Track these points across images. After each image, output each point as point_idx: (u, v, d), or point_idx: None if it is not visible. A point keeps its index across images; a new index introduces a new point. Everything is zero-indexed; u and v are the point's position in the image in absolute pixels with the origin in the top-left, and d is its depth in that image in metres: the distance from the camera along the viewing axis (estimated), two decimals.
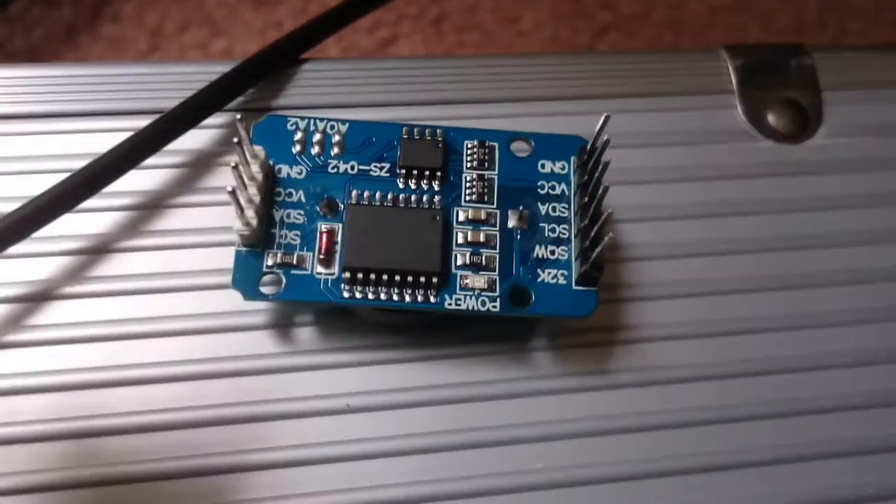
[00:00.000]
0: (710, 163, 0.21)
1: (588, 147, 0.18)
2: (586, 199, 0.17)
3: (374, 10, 0.23)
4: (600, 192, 0.17)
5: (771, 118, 0.22)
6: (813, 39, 0.52)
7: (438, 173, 0.18)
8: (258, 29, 0.49)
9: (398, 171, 0.18)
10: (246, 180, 0.17)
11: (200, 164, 0.20)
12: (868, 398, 0.19)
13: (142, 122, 0.19)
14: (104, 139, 0.19)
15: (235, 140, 0.17)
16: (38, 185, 0.18)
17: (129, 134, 0.18)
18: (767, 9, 0.54)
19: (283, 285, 0.17)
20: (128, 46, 0.48)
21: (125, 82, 0.21)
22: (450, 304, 0.17)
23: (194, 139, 0.20)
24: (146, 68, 0.21)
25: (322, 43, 0.22)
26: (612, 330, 0.19)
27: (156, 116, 0.19)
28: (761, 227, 0.21)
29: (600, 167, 0.17)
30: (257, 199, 0.17)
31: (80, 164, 0.18)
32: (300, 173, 0.18)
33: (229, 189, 0.16)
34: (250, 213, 0.17)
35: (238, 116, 0.17)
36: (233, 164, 0.16)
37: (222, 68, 0.20)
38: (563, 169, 0.19)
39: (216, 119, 0.20)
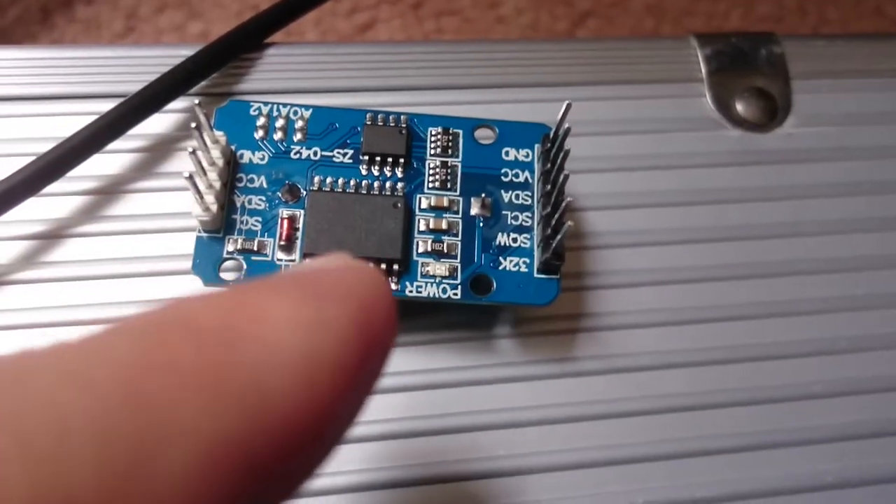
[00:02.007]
0: (678, 151, 0.21)
1: (551, 135, 0.18)
2: (549, 186, 0.17)
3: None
4: (561, 179, 0.17)
5: (739, 107, 0.22)
6: (793, 28, 0.52)
7: (402, 160, 0.18)
8: (235, 11, 0.48)
9: (361, 157, 0.18)
10: (206, 165, 0.17)
11: (163, 149, 0.20)
12: (830, 386, 0.19)
13: (106, 106, 0.19)
14: (67, 122, 0.19)
15: (194, 125, 0.17)
16: (2, 169, 0.17)
17: (93, 117, 0.18)
18: None
19: (243, 271, 0.17)
20: (103, 28, 0.48)
21: (90, 65, 0.21)
22: (411, 292, 0.17)
23: (158, 123, 0.20)
24: (111, 51, 0.21)
25: (300, 26, 0.22)
26: (576, 318, 0.19)
27: (120, 100, 0.19)
28: (728, 215, 0.21)
29: (562, 155, 0.17)
30: (217, 184, 0.17)
31: (41, 147, 0.18)
32: (262, 159, 0.18)
33: (186, 175, 0.16)
34: (210, 199, 0.17)
35: (197, 101, 0.17)
36: (190, 150, 0.16)
37: (188, 52, 0.20)
38: (526, 157, 0.18)
39: (181, 103, 0.20)
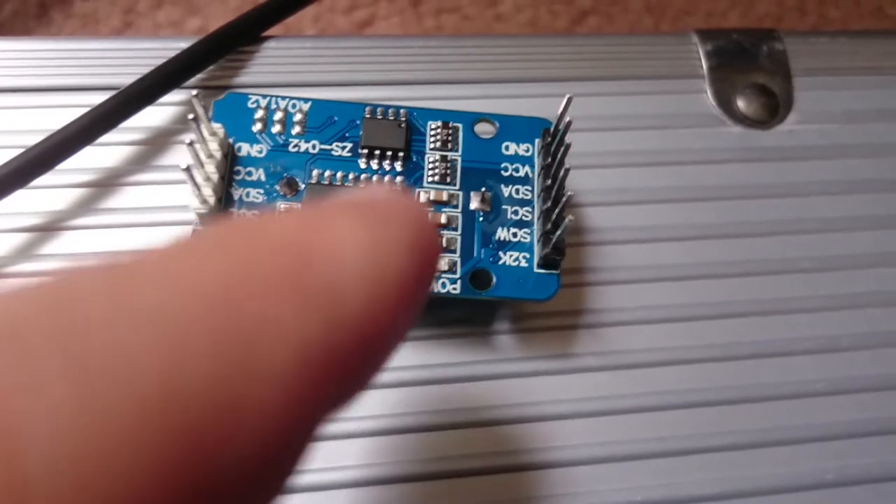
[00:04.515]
0: (678, 147, 0.21)
1: (551, 129, 0.18)
2: (549, 181, 0.17)
3: None
4: (562, 174, 0.17)
5: (741, 103, 0.22)
6: (793, 26, 0.52)
7: (401, 154, 0.18)
8: (234, 7, 0.48)
9: (360, 151, 0.18)
10: (204, 158, 0.17)
11: (159, 142, 0.20)
12: (830, 384, 0.19)
13: (101, 98, 0.18)
14: (61, 115, 0.18)
15: (191, 117, 0.16)
16: None
17: (86, 110, 0.18)
18: None
19: None
20: (100, 23, 0.48)
21: (86, 58, 0.21)
22: None
23: (155, 116, 0.20)
24: (108, 44, 0.21)
25: (298, 23, 0.21)
26: (576, 314, 0.19)
27: (115, 92, 0.18)
28: (728, 212, 0.20)
29: (563, 149, 0.17)
30: (215, 177, 0.17)
31: (34, 139, 0.18)
32: (260, 152, 0.18)
33: (184, 167, 0.16)
34: (207, 192, 0.17)
35: (194, 93, 0.17)
36: (188, 142, 0.16)
37: (185, 44, 0.20)
38: (527, 151, 0.18)
39: (176, 96, 0.20)
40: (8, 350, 0.06)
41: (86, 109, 0.18)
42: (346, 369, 0.08)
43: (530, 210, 0.18)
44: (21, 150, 0.17)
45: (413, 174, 0.18)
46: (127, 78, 0.19)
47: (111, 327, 0.07)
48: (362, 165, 0.18)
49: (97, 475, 0.06)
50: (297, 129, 0.18)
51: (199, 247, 0.08)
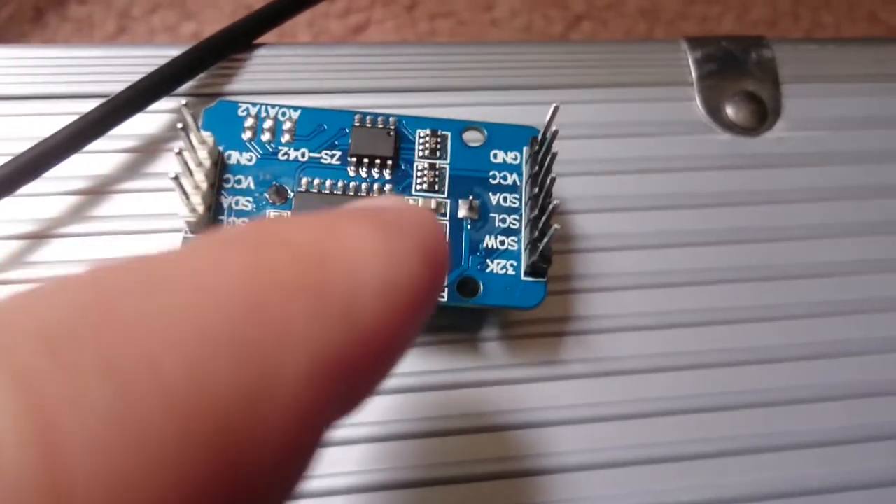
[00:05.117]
0: (667, 154, 0.21)
1: (539, 137, 0.18)
2: (536, 189, 0.17)
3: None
4: (549, 182, 0.17)
5: (729, 111, 0.22)
6: (786, 32, 0.52)
7: (389, 161, 0.18)
8: (229, 12, 0.48)
9: (349, 159, 0.18)
10: (193, 166, 0.17)
11: (149, 150, 0.20)
12: (817, 391, 0.19)
13: (91, 106, 0.18)
14: (51, 122, 0.18)
15: (180, 125, 0.16)
16: None
17: (75, 117, 0.18)
18: (742, 0, 0.54)
19: None
20: (95, 28, 0.48)
21: (77, 65, 0.21)
22: None
23: (144, 124, 0.20)
24: (99, 51, 0.21)
25: (292, 28, 0.22)
26: (563, 321, 0.19)
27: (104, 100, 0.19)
28: (717, 219, 0.21)
29: (549, 157, 0.17)
30: (204, 185, 0.17)
31: (22, 147, 0.18)
32: (250, 160, 0.18)
33: (172, 175, 0.16)
34: (196, 200, 0.17)
35: (184, 101, 0.17)
36: (177, 150, 0.16)
37: (177, 52, 0.20)
38: (515, 159, 0.18)
39: (167, 104, 0.20)
40: (42, 350, 0.07)
41: (74, 117, 0.18)
42: (357, 374, 0.08)
43: (518, 218, 0.18)
44: (8, 158, 0.17)
45: (402, 182, 0.18)
46: (118, 86, 0.19)
47: (142, 329, 0.07)
48: (351, 173, 0.18)
49: (137, 477, 0.06)
50: (286, 137, 0.18)
51: (216, 249, 0.08)
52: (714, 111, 0.22)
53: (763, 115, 0.22)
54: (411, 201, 0.18)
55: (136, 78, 0.19)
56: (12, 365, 0.06)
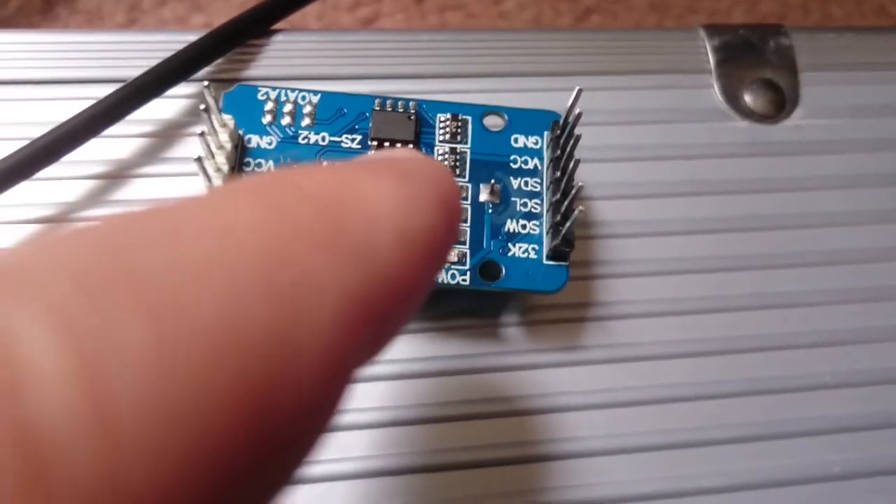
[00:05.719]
0: (685, 142, 0.21)
1: (561, 121, 0.18)
2: (558, 173, 0.17)
3: None
4: (572, 165, 0.17)
5: (748, 98, 0.22)
6: (796, 24, 0.52)
7: (410, 146, 0.18)
8: (238, 3, 0.48)
9: (369, 143, 0.18)
10: (214, 149, 0.17)
11: (168, 134, 0.20)
12: (836, 377, 0.19)
13: (107, 91, 0.18)
14: (68, 107, 0.18)
15: (203, 107, 0.16)
16: (3, 154, 0.17)
17: (92, 102, 0.18)
18: None
19: None
20: (105, 19, 0.48)
21: (94, 50, 0.21)
22: None
23: (162, 108, 0.20)
24: (116, 36, 0.21)
25: (302, 20, 0.21)
26: (584, 306, 0.19)
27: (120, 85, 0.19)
28: (735, 206, 0.20)
29: (572, 141, 0.17)
30: (225, 168, 0.17)
31: (40, 132, 0.18)
32: (270, 144, 0.18)
33: (195, 157, 0.16)
34: (218, 183, 0.17)
35: (206, 84, 0.17)
36: (200, 132, 0.16)
37: (192, 38, 0.20)
38: (535, 143, 0.18)
39: (185, 89, 0.20)
40: (76, 290, 0.06)
41: (92, 102, 0.18)
42: (381, 319, 0.09)
43: (539, 202, 0.18)
44: (25, 142, 0.17)
45: None
46: (134, 71, 0.19)
47: (172, 275, 0.07)
48: None
49: (182, 416, 0.06)
50: (306, 122, 0.18)
51: (240, 199, 0.08)
52: (732, 99, 0.22)
53: (781, 102, 0.22)
54: None
55: (153, 63, 0.19)
56: (49, 302, 0.06)
